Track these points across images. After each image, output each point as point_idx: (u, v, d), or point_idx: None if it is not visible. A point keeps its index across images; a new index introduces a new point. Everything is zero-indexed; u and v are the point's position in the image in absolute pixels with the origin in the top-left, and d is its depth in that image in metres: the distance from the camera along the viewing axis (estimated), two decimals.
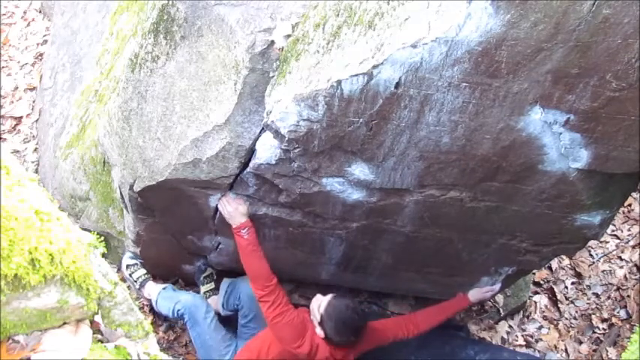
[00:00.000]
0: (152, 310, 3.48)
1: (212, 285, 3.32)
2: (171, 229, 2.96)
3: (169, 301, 3.10)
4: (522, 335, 3.70)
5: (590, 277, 3.90)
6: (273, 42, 2.13)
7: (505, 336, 3.67)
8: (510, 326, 3.73)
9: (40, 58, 4.19)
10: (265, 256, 2.62)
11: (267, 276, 2.60)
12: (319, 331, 2.61)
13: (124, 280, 3.27)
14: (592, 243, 3.83)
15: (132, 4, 2.84)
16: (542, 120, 1.96)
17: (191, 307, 3.04)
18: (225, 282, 3.18)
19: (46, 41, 4.21)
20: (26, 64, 4.20)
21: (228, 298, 3.11)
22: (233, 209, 2.55)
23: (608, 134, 1.96)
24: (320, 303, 2.62)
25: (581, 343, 3.67)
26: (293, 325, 2.61)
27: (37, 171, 3.74)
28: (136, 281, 3.23)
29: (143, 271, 3.26)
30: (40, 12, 4.43)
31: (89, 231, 1.60)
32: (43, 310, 1.37)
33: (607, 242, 4.00)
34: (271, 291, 2.59)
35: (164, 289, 3.20)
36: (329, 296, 2.63)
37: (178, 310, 3.05)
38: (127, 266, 3.24)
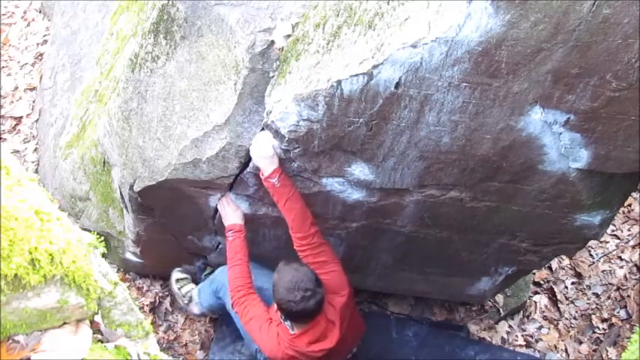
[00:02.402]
0: (152, 310, 3.49)
1: (192, 286, 3.27)
2: (171, 229, 2.96)
3: (208, 287, 3.03)
4: (522, 335, 3.70)
5: (590, 277, 3.90)
6: (273, 42, 2.13)
7: (505, 336, 3.67)
8: (510, 326, 3.73)
9: (40, 58, 4.19)
10: (247, 264, 2.56)
11: (244, 285, 2.53)
12: (277, 311, 2.39)
13: (124, 280, 3.27)
14: (592, 243, 3.83)
15: (132, 4, 2.84)
16: (542, 120, 1.96)
17: (221, 275, 2.95)
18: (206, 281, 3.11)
19: (46, 41, 4.20)
20: (26, 64, 4.20)
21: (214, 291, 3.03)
22: (231, 210, 2.55)
23: (608, 134, 1.95)
24: None
25: (581, 343, 3.66)
26: (265, 331, 2.48)
27: (37, 171, 3.74)
28: (184, 296, 3.17)
29: (192, 285, 3.19)
30: (40, 12, 4.43)
31: (89, 231, 1.60)
32: (43, 310, 1.38)
33: (607, 242, 4.00)
34: (243, 302, 2.51)
35: (199, 291, 3.15)
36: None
37: (215, 290, 2.96)
38: (177, 280, 3.19)
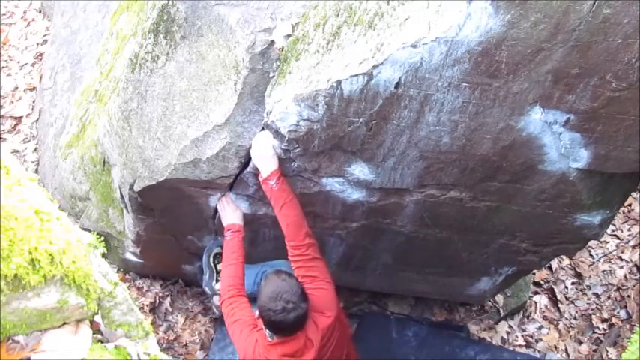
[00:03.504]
0: (152, 310, 3.49)
1: None
2: (171, 229, 2.96)
3: (252, 276, 2.90)
4: (522, 335, 3.70)
5: (590, 277, 3.90)
6: (273, 42, 2.13)
7: (505, 336, 3.67)
8: (510, 326, 3.73)
9: (40, 58, 4.19)
10: (242, 264, 2.49)
11: (236, 285, 2.44)
12: (259, 318, 2.33)
13: (124, 280, 3.26)
14: (592, 243, 3.83)
15: (132, 4, 2.84)
16: (542, 120, 1.96)
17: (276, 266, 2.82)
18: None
19: (46, 41, 4.21)
20: (26, 64, 4.20)
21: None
22: (231, 210, 2.54)
23: (608, 134, 1.95)
24: None
25: (581, 343, 3.66)
26: (245, 335, 2.37)
27: (37, 171, 3.74)
28: (218, 273, 3.01)
29: None
30: (40, 12, 4.44)
31: (89, 231, 1.60)
32: (43, 310, 1.38)
33: (607, 242, 4.00)
34: (232, 303, 2.41)
35: None
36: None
37: (259, 282, 2.81)
38: (216, 255, 3.03)
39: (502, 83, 1.85)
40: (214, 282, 3.07)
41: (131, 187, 2.60)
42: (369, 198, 2.43)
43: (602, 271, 3.91)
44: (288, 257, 2.38)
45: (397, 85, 1.89)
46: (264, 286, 2.29)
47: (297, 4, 2.11)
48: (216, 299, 3.07)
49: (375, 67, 1.84)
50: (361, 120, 2.03)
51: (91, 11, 3.43)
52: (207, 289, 3.12)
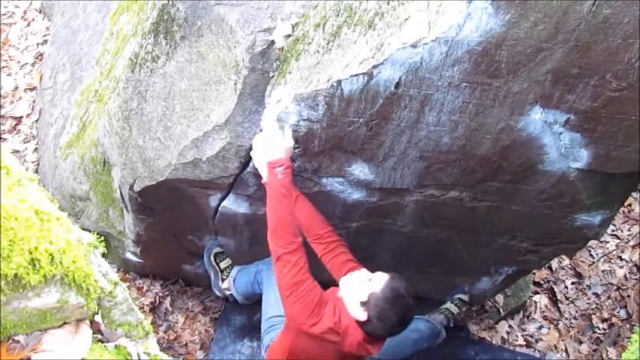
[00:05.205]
0: (152, 310, 3.48)
1: (230, 261, 3.10)
2: (171, 229, 2.96)
3: (249, 275, 2.92)
4: (522, 335, 3.70)
5: (590, 277, 3.90)
6: (273, 42, 2.13)
7: (505, 336, 3.67)
8: (510, 326, 3.73)
9: (40, 58, 4.19)
10: (295, 212, 2.21)
11: (293, 230, 2.12)
12: (359, 313, 2.12)
13: (124, 280, 3.26)
14: (592, 243, 3.83)
15: (132, 4, 2.84)
16: (542, 120, 1.96)
17: (269, 267, 2.76)
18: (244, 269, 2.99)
19: (46, 41, 4.20)
20: (26, 64, 4.20)
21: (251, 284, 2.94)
22: (274, 141, 2.10)
23: (608, 134, 1.95)
24: (370, 279, 2.15)
25: (581, 343, 3.66)
26: (310, 297, 2.13)
27: (37, 171, 3.74)
28: (222, 271, 3.06)
29: (229, 260, 3.08)
30: (40, 12, 4.43)
31: (89, 231, 1.60)
32: (43, 310, 1.38)
33: (607, 242, 4.00)
34: (295, 249, 2.10)
35: (239, 270, 3.03)
36: (385, 275, 2.14)
37: (258, 280, 2.86)
38: (216, 255, 3.05)
39: (502, 83, 1.85)
40: (220, 282, 3.07)
41: (131, 187, 2.60)
42: (369, 198, 2.43)
43: (602, 271, 3.91)
44: (321, 253, 2.29)
45: (397, 85, 1.89)
46: (384, 295, 2.11)
47: (297, 4, 2.11)
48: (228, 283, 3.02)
49: (375, 67, 1.84)
50: (361, 120, 2.03)
51: (91, 11, 3.43)
52: (215, 291, 3.11)
